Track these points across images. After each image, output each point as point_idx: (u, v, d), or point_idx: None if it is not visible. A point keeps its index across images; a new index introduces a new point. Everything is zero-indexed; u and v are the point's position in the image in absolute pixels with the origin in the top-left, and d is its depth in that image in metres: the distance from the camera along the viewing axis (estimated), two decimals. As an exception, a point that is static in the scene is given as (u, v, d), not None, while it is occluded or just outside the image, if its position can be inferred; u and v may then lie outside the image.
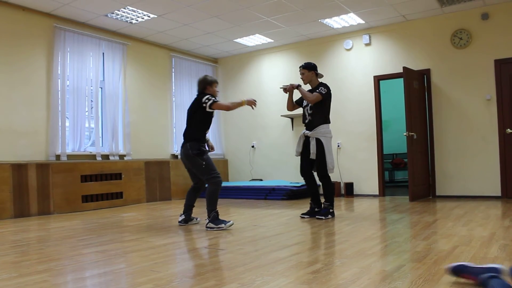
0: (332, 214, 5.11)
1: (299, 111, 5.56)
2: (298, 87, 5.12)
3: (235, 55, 9.38)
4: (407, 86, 6.82)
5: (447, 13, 7.04)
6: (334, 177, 7.99)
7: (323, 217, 5.01)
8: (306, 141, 5.15)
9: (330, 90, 5.12)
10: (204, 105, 4.49)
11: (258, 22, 7.27)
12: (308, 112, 5.12)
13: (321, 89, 5.04)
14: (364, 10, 6.82)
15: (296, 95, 5.21)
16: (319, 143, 5.00)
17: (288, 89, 5.18)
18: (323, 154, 4.99)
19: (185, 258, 3.23)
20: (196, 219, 4.91)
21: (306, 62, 5.31)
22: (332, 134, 5.19)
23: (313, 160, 5.08)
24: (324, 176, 5.08)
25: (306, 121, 5.15)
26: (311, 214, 5.17)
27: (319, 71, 5.35)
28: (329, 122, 5.15)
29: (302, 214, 5.25)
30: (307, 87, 5.26)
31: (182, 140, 4.69)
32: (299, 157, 5.26)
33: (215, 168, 4.54)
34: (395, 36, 7.56)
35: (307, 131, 5.12)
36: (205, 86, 4.67)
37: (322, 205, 5.17)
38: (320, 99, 5.00)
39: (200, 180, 4.75)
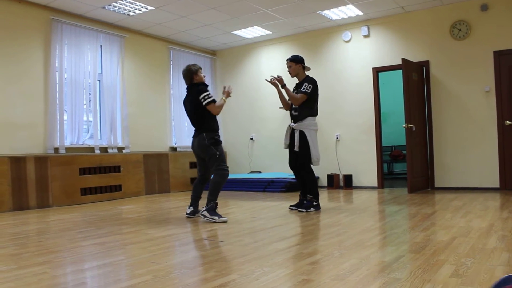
0: (316, 207, 5.05)
1: None
2: (283, 86, 5.04)
3: (233, 47, 9.34)
4: (406, 78, 6.80)
5: (446, 5, 7.01)
6: (333, 169, 8.01)
7: (304, 210, 4.99)
8: (292, 133, 5.14)
9: (316, 84, 5.08)
10: (203, 100, 4.53)
11: (256, 14, 7.23)
12: (294, 105, 5.11)
13: (306, 86, 4.99)
14: (363, 1, 6.78)
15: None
16: (302, 135, 4.98)
17: (272, 82, 5.07)
18: (307, 147, 4.96)
19: (184, 250, 3.23)
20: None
21: (293, 55, 5.29)
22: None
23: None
24: (305, 169, 5.05)
25: (293, 113, 5.12)
26: (299, 206, 5.17)
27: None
28: (316, 115, 5.13)
29: (291, 205, 5.27)
30: (294, 80, 5.24)
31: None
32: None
33: (225, 161, 4.62)
34: (394, 28, 7.53)
35: (293, 124, 5.11)
36: (192, 76, 4.68)
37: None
38: (305, 99, 4.98)
39: (208, 170, 4.77)
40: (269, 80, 5.12)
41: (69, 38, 6.81)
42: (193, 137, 4.74)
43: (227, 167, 4.59)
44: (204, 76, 4.78)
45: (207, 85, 4.72)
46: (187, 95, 4.74)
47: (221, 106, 4.61)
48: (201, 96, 4.54)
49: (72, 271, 2.68)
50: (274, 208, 5.40)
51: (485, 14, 6.73)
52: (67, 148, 6.68)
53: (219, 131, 4.74)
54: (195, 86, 4.65)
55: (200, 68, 4.76)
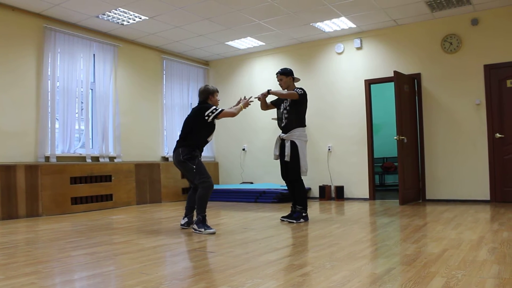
0: (305, 218, 5.09)
1: None
2: (269, 92, 5.08)
3: (226, 57, 9.38)
4: (397, 90, 6.85)
5: (437, 18, 7.11)
6: (324, 180, 8.02)
7: (295, 221, 5.01)
8: (282, 144, 5.15)
9: (306, 93, 5.15)
10: (207, 117, 4.51)
11: (250, 25, 7.27)
12: (284, 115, 5.13)
13: (297, 89, 5.06)
14: (356, 14, 6.86)
15: (271, 96, 5.23)
16: (293, 145, 4.99)
17: (261, 99, 5.17)
18: (297, 157, 4.98)
19: (175, 261, 3.21)
20: None
21: (283, 68, 5.32)
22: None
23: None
24: (296, 180, 5.08)
25: (282, 124, 5.15)
26: (290, 217, 5.15)
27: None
28: (305, 126, 5.17)
29: (282, 217, 5.25)
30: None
31: (173, 143, 4.67)
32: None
33: (206, 172, 4.53)
34: (386, 40, 7.61)
35: (283, 134, 5.13)
36: (207, 96, 4.71)
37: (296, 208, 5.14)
38: (296, 97, 4.99)
39: None
40: (257, 97, 5.18)
41: (62, 47, 6.79)
42: (172, 152, 4.72)
43: (209, 177, 4.51)
44: (219, 100, 4.82)
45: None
46: (196, 106, 4.76)
47: (236, 110, 4.66)
48: (206, 114, 4.52)
49: (61, 281, 2.65)
50: (265, 219, 5.38)
51: (475, 28, 6.83)
52: (58, 156, 6.63)
53: (199, 148, 4.67)
54: (206, 104, 4.66)
55: (217, 91, 4.80)
